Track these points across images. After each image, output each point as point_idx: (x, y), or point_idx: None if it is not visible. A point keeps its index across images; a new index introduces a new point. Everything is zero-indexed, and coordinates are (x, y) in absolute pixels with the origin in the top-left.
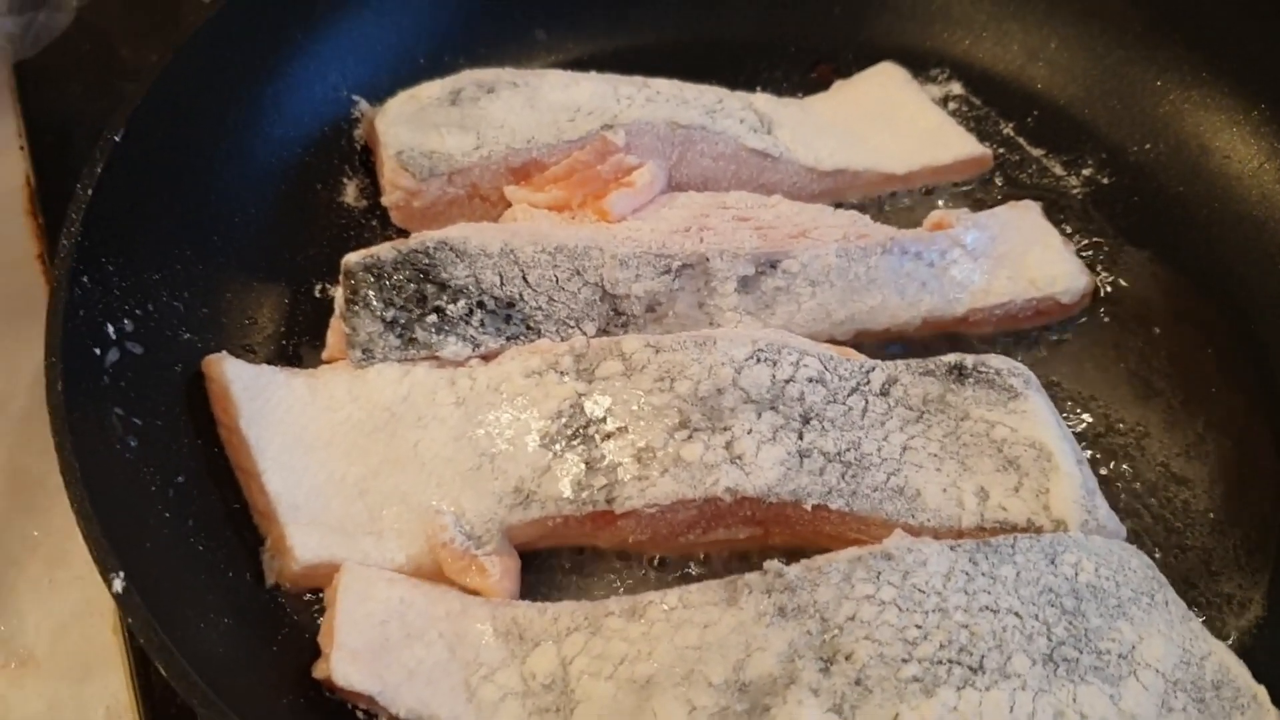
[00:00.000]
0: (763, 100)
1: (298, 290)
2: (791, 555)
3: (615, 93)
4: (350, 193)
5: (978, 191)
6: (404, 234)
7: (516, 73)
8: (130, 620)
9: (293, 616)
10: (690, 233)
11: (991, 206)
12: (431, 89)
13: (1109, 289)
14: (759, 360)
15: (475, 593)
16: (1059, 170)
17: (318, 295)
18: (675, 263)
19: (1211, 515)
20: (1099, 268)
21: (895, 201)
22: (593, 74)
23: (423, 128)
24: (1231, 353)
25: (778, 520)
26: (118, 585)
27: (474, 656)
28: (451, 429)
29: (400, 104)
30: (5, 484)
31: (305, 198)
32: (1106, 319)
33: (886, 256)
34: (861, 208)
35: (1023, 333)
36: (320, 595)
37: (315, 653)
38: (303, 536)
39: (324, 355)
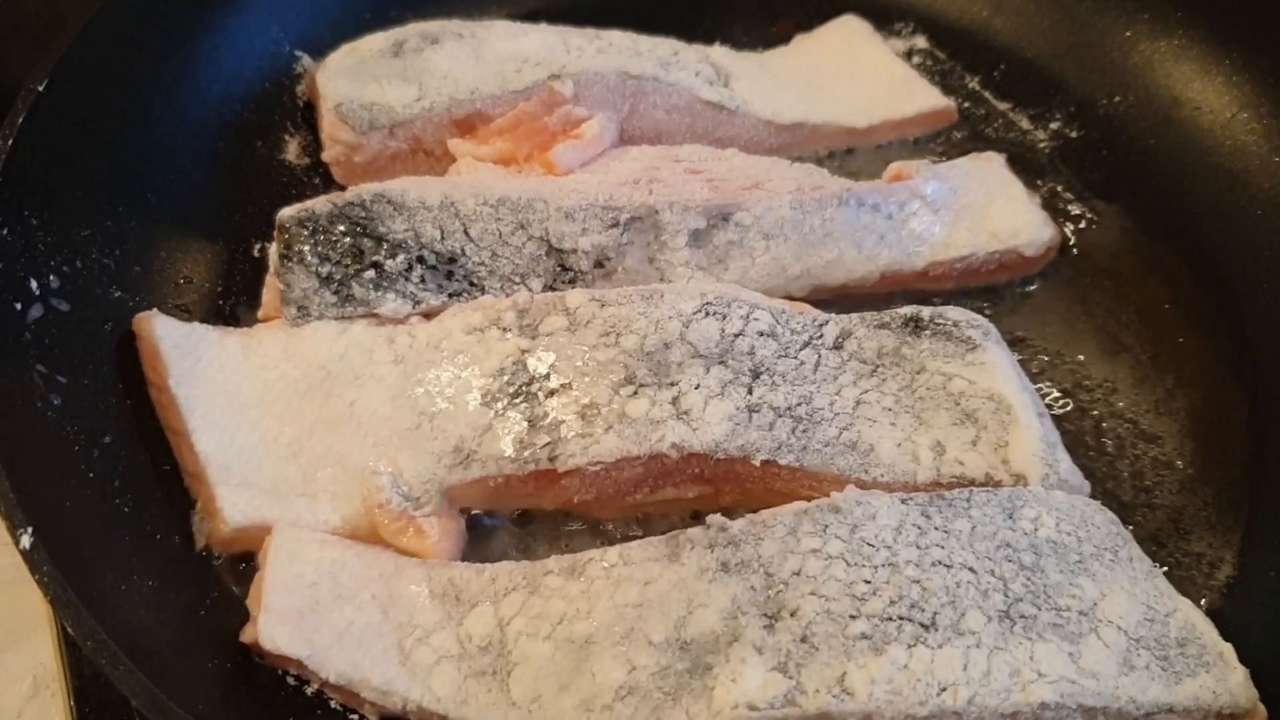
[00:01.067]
0: (720, 53)
1: (235, 250)
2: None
3: (565, 44)
4: (292, 150)
5: (942, 146)
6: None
7: (463, 24)
8: (36, 576)
9: (223, 581)
10: (639, 185)
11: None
12: (374, 41)
13: (1076, 243)
14: (707, 314)
15: (413, 555)
16: (1026, 124)
17: (256, 255)
18: (623, 215)
19: (1184, 472)
20: (1066, 221)
21: (854, 157)
22: (543, 25)
23: (363, 80)
24: (1201, 307)
25: (727, 478)
26: (25, 541)
27: (408, 619)
28: (390, 388)
29: (341, 56)
30: None
31: (244, 155)
32: (1073, 273)
33: (843, 208)
34: (819, 163)
35: (987, 288)
36: (253, 559)
37: (246, 618)
38: (233, 498)
39: (259, 314)
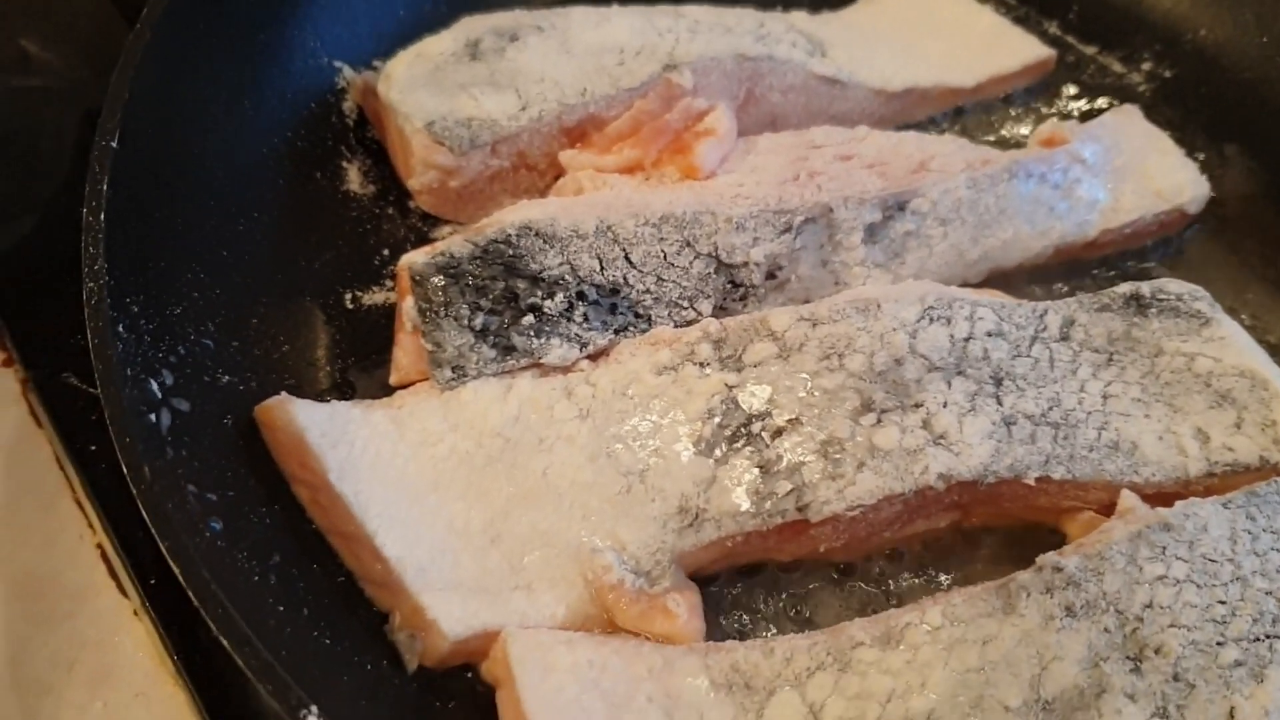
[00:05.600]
0: (802, 19)
1: (326, 303)
2: (984, 534)
3: (653, 26)
4: (353, 178)
5: (1038, 99)
6: (431, 221)
7: (534, 14)
8: None
9: (451, 705)
10: (800, 181)
11: (1063, 115)
12: (440, 43)
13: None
14: (932, 320)
15: (662, 640)
16: (1118, 67)
17: (349, 306)
18: (797, 218)
19: None
20: None
21: (966, 117)
22: (616, 6)
23: (447, 91)
24: None
25: (987, 500)
26: None
27: (698, 718)
28: (583, 448)
29: (408, 65)
30: (8, 590)
31: (307, 191)
32: (1215, 222)
33: (1013, 182)
34: (920, 127)
35: (1137, 250)
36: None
37: None
38: (445, 607)
39: (393, 379)
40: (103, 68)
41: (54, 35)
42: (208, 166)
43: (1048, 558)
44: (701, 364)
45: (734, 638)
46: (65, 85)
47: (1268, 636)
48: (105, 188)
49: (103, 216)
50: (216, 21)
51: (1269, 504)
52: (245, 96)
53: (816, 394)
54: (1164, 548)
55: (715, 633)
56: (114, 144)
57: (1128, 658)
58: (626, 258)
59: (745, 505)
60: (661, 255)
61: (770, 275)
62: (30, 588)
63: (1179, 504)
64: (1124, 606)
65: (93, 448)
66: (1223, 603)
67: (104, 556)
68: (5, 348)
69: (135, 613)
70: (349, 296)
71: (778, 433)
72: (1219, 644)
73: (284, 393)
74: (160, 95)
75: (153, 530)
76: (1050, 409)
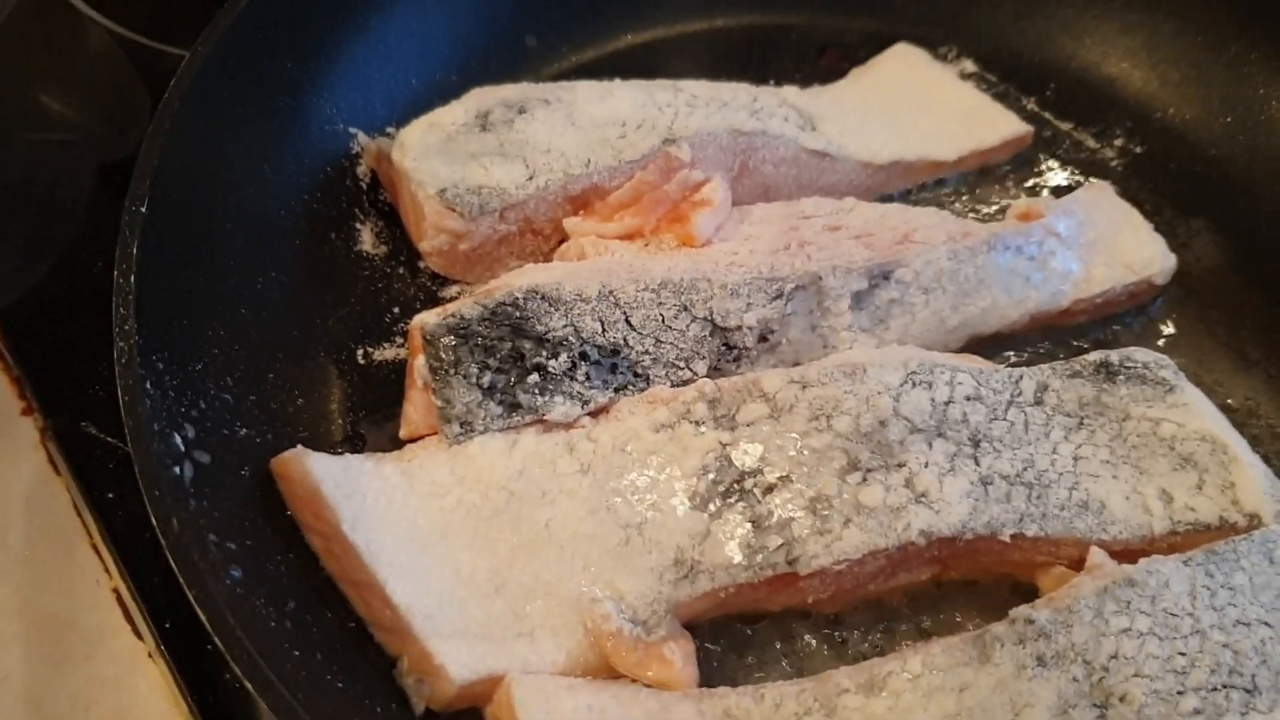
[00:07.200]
0: (793, 94)
1: (339, 359)
2: (963, 587)
3: (653, 100)
4: (366, 239)
5: (1017, 171)
6: (440, 281)
7: (541, 87)
8: None
9: None
10: (792, 250)
11: (1040, 187)
12: (452, 113)
13: (1177, 262)
14: (914, 384)
15: (658, 685)
16: (1092, 142)
17: (361, 361)
18: (788, 285)
19: None
20: None
21: (947, 188)
22: (619, 81)
23: (459, 159)
24: None
25: (964, 555)
26: None
27: None
28: (584, 501)
29: (421, 134)
30: (28, 632)
31: (322, 251)
32: (1182, 294)
33: (992, 254)
34: (902, 198)
35: (1109, 318)
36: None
37: None
38: (452, 653)
39: (403, 433)
40: (120, 123)
41: (73, 92)
42: (229, 229)
43: (1020, 610)
44: (697, 422)
45: (726, 684)
46: (83, 139)
47: (1224, 686)
48: (135, 250)
49: (133, 279)
50: (240, 90)
51: (1226, 561)
52: (265, 161)
53: (805, 453)
54: (1128, 602)
55: (708, 680)
56: (143, 209)
57: (1094, 705)
58: (627, 320)
59: (738, 558)
60: (660, 318)
61: (762, 338)
62: (50, 630)
63: (1143, 561)
64: (1091, 657)
65: (109, 495)
66: (1183, 654)
67: (120, 600)
68: (25, 397)
69: (150, 655)
70: (361, 352)
71: (769, 489)
72: (1179, 693)
73: (299, 445)
74: (186, 161)
75: (180, 578)
76: (1024, 470)
